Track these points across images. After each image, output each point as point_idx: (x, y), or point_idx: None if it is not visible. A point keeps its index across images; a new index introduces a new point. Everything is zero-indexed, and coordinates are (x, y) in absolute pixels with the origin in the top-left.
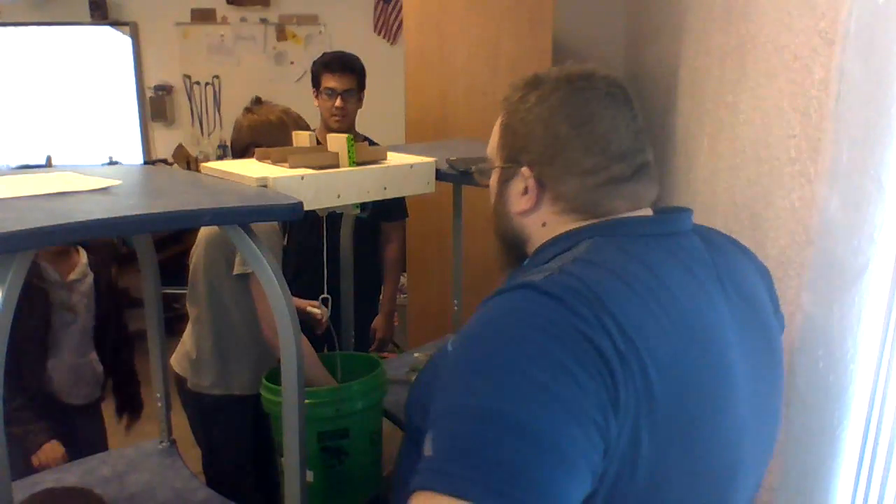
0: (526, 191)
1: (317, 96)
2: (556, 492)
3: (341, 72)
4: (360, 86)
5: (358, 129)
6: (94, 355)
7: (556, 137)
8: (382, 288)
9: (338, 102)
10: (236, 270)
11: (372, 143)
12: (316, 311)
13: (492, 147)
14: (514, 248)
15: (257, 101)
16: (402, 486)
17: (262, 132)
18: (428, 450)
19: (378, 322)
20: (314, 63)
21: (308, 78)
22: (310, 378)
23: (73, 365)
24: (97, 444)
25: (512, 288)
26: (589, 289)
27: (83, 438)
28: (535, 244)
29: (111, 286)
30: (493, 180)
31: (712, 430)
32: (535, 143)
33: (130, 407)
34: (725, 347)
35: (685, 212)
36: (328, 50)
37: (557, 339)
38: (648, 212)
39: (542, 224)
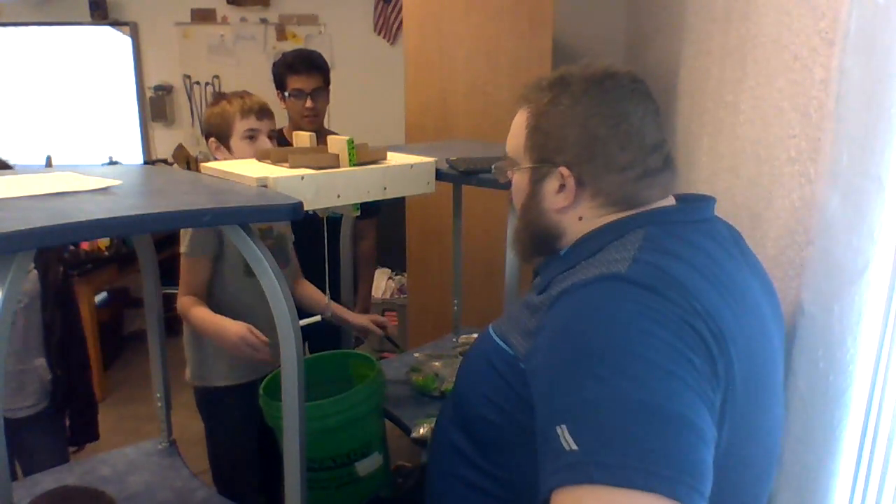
0: (562, 189)
1: (282, 98)
2: (704, 465)
3: (308, 72)
4: (327, 82)
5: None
6: (40, 361)
7: (593, 138)
8: (358, 285)
9: (308, 103)
10: (182, 249)
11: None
12: (378, 329)
13: (515, 148)
14: (545, 242)
15: (218, 96)
16: (438, 472)
17: (210, 123)
18: (569, 444)
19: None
20: (275, 65)
21: None
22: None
23: (13, 372)
24: (53, 458)
25: (596, 280)
26: (671, 276)
27: (36, 452)
28: (572, 237)
29: (58, 284)
30: (523, 180)
31: (769, 389)
32: (572, 144)
33: (80, 429)
34: (767, 320)
35: (711, 200)
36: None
37: (662, 325)
38: (672, 200)
39: (579, 218)
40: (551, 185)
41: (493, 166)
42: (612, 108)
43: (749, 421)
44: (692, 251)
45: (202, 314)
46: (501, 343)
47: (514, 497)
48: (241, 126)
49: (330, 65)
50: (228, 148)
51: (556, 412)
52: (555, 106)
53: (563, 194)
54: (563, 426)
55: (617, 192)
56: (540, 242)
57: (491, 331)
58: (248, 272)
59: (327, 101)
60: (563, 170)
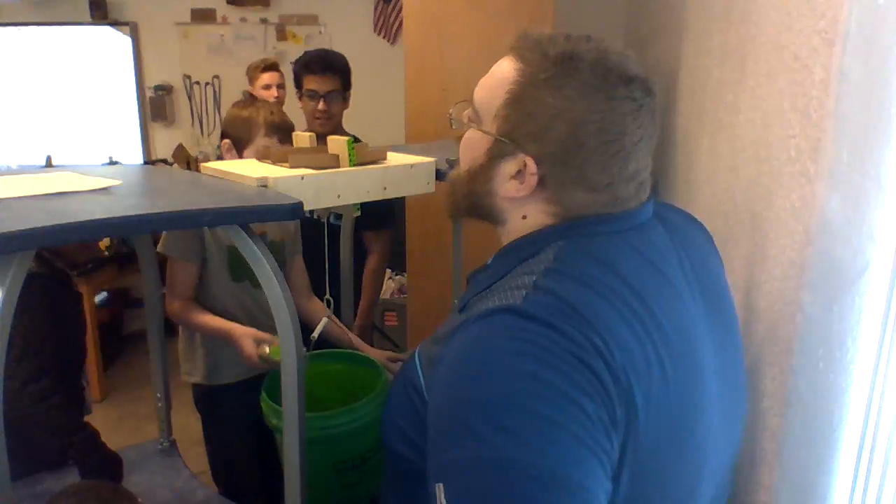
0: (518, 176)
1: (300, 97)
2: None
3: (322, 73)
4: (346, 86)
5: (348, 128)
6: None
7: (579, 146)
8: (360, 296)
9: (320, 105)
10: (159, 248)
11: (357, 140)
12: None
13: (485, 102)
14: (481, 216)
15: (248, 96)
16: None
17: (231, 125)
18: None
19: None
20: (295, 63)
21: None
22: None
23: None
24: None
25: (490, 313)
26: (571, 307)
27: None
28: (507, 232)
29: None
30: (480, 144)
31: (685, 436)
32: (553, 141)
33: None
34: (696, 348)
35: (650, 201)
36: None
37: (553, 368)
38: None
39: (523, 217)
40: (508, 167)
41: (451, 110)
42: (612, 121)
43: (656, 466)
44: (605, 275)
45: (205, 319)
46: (419, 369)
47: None
48: (261, 142)
49: None
50: (241, 155)
51: (436, 468)
52: (552, 88)
53: (518, 185)
54: (441, 485)
55: (575, 210)
56: (476, 215)
57: (416, 353)
58: (235, 277)
59: (345, 105)
60: (530, 162)
